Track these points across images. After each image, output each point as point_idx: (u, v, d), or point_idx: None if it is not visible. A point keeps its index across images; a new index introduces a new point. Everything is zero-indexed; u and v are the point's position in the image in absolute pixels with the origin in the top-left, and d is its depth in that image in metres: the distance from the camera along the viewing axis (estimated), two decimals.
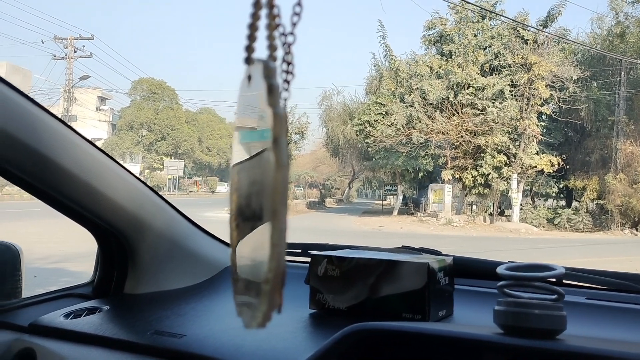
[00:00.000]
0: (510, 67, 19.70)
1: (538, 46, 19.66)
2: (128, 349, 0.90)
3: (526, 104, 19.40)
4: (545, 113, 20.26)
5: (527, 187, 22.49)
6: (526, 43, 19.80)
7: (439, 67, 20.48)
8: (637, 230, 19.13)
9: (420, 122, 19.83)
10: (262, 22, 0.35)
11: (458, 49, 20.47)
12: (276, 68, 0.35)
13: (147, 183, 1.17)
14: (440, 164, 20.95)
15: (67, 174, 0.93)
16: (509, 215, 21.09)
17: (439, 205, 20.81)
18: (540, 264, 0.74)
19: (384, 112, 21.18)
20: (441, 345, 0.73)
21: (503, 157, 19.76)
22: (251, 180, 0.36)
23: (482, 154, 20.07)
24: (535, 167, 19.80)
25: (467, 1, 19.87)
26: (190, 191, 43.48)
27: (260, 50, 0.35)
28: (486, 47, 20.59)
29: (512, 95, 19.49)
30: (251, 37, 0.35)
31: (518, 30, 20.24)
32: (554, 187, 22.77)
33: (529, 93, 19.31)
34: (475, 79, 19.56)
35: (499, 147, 19.63)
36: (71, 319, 1.00)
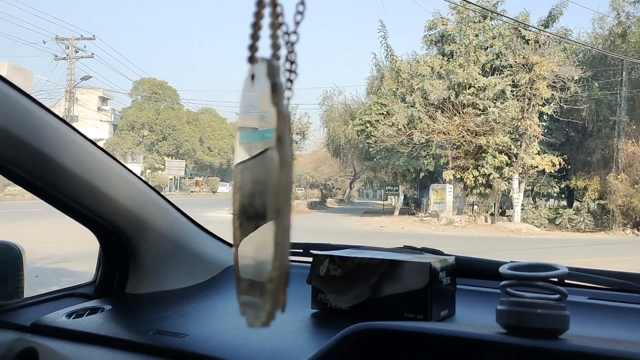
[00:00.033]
0: (511, 67, 19.67)
1: (539, 46, 19.64)
2: (130, 349, 0.90)
3: (527, 104, 19.37)
4: (547, 113, 20.24)
5: (529, 187, 22.47)
6: (527, 43, 19.78)
7: (440, 67, 20.46)
8: (638, 230, 19.09)
9: (421, 122, 19.81)
10: (266, 21, 0.35)
11: (459, 49, 20.44)
12: (280, 67, 0.35)
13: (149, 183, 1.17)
14: (442, 164, 20.94)
15: (69, 173, 0.93)
16: (510, 216, 21.05)
17: (440, 206, 20.80)
18: (543, 264, 0.74)
19: (385, 112, 21.17)
20: (443, 345, 0.73)
21: (504, 157, 19.73)
22: (254, 179, 0.36)
23: (483, 154, 20.04)
24: (537, 167, 19.77)
25: (469, 1, 19.83)
26: (192, 191, 43.51)
27: (264, 49, 0.35)
28: (487, 47, 20.56)
29: (513, 95, 19.47)
30: (254, 36, 0.35)
31: (519, 30, 20.22)
32: (555, 187, 22.72)
33: (530, 93, 19.28)
34: (476, 79, 19.53)
35: (501, 147, 19.60)
36: (73, 318, 1.00)
